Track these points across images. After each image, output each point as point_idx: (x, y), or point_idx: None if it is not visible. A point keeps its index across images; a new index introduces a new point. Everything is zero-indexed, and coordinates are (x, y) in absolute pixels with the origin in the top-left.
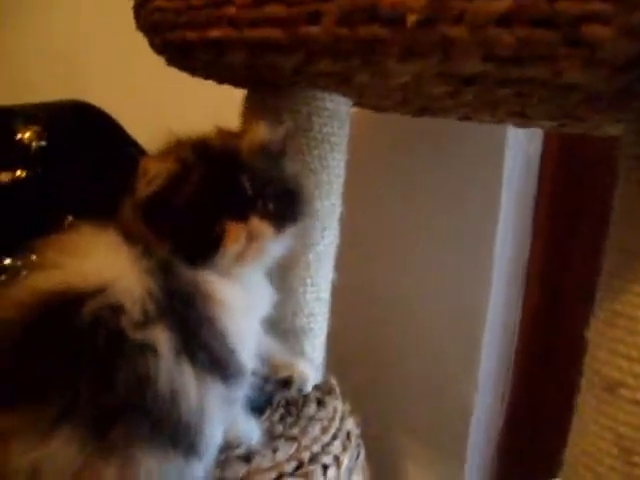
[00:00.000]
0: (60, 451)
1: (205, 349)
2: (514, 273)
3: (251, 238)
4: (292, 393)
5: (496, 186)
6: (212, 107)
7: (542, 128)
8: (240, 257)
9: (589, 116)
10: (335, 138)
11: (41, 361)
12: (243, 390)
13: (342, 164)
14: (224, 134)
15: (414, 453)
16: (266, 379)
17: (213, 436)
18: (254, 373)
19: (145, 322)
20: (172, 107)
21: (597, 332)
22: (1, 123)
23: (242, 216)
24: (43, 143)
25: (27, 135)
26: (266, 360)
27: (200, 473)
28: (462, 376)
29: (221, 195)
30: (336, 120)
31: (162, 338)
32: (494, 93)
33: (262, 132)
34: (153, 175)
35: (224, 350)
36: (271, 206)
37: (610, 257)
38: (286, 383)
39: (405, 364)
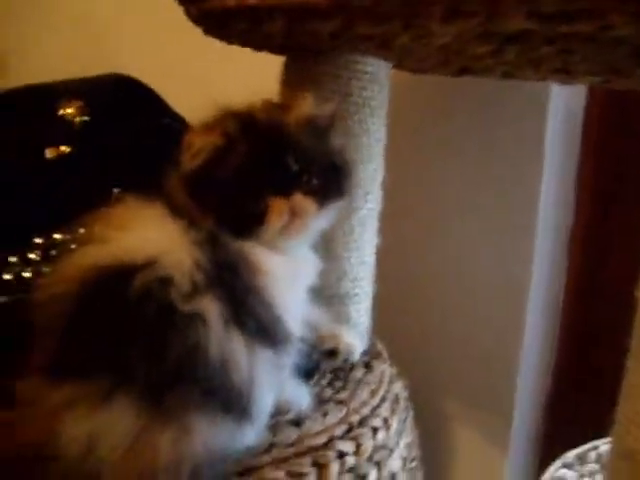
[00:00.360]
0: (115, 421)
1: (253, 317)
2: (559, 234)
3: (294, 214)
4: (338, 363)
5: (539, 143)
6: (250, 76)
7: (585, 84)
8: (283, 232)
9: (635, 71)
10: (375, 102)
11: (94, 334)
12: (291, 356)
13: (382, 128)
14: (270, 107)
15: (461, 415)
16: (313, 348)
17: (264, 402)
18: (302, 340)
19: (194, 293)
20: (210, 77)
21: None
22: (44, 100)
23: (286, 192)
24: (86, 118)
25: (70, 111)
26: (313, 330)
27: (252, 438)
28: (508, 337)
29: (266, 171)
30: (376, 84)
31: (211, 308)
32: (537, 51)
33: (309, 107)
34: (198, 148)
35: (270, 318)
36: (315, 182)
37: None
38: (332, 353)
39: (450, 326)
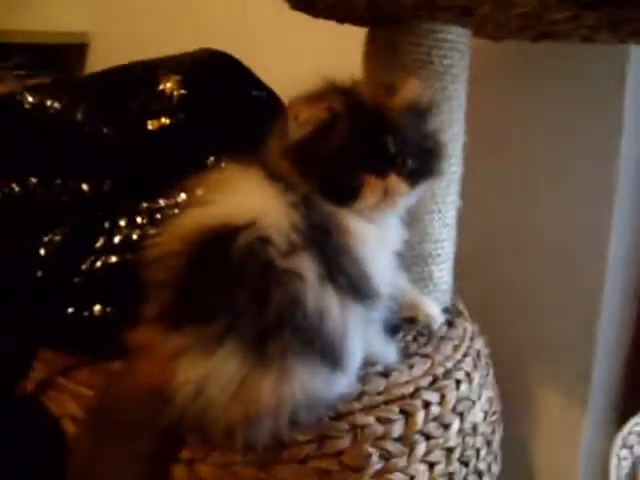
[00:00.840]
0: (224, 365)
1: (344, 274)
2: (638, 195)
3: (387, 193)
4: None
5: (618, 114)
6: (334, 48)
7: None
8: (375, 207)
9: None
10: (456, 69)
11: (205, 287)
12: (379, 312)
13: (463, 94)
14: (375, 87)
15: (540, 371)
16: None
17: (355, 353)
18: (389, 299)
19: (291, 252)
20: (296, 50)
21: None
22: (145, 75)
23: (382, 172)
24: (183, 91)
25: (169, 85)
26: (399, 293)
27: (344, 387)
28: (587, 294)
29: (365, 150)
30: (456, 52)
31: (307, 265)
32: (618, 14)
33: (413, 91)
34: (304, 119)
35: (360, 275)
36: (410, 164)
37: None
38: (412, 321)
39: (530, 285)
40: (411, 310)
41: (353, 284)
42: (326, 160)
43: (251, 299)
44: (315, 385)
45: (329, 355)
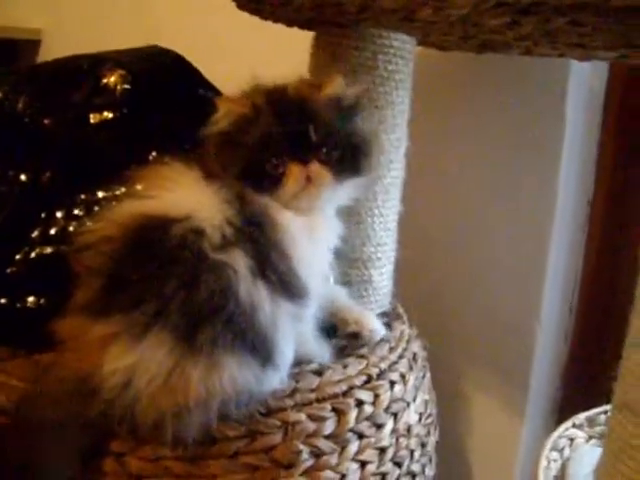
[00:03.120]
0: (151, 353)
1: (274, 270)
2: (578, 209)
3: (309, 180)
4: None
5: (560, 120)
6: (283, 51)
7: (603, 59)
8: (299, 195)
9: None
10: (400, 75)
11: (135, 274)
12: (310, 309)
13: (407, 100)
14: (301, 84)
15: (479, 379)
16: (337, 328)
17: (285, 349)
18: (324, 297)
19: (224, 245)
20: (245, 52)
21: None
22: (89, 68)
23: (304, 159)
24: (127, 86)
25: (113, 79)
26: (336, 312)
27: (276, 383)
28: (527, 306)
29: (287, 137)
30: (400, 58)
31: (239, 259)
32: (550, 23)
33: (337, 86)
34: (225, 112)
35: (289, 272)
36: (334, 155)
37: None
38: (355, 336)
39: (470, 295)
40: (355, 326)
41: (282, 280)
42: (249, 149)
43: (180, 287)
44: (245, 379)
45: (260, 349)
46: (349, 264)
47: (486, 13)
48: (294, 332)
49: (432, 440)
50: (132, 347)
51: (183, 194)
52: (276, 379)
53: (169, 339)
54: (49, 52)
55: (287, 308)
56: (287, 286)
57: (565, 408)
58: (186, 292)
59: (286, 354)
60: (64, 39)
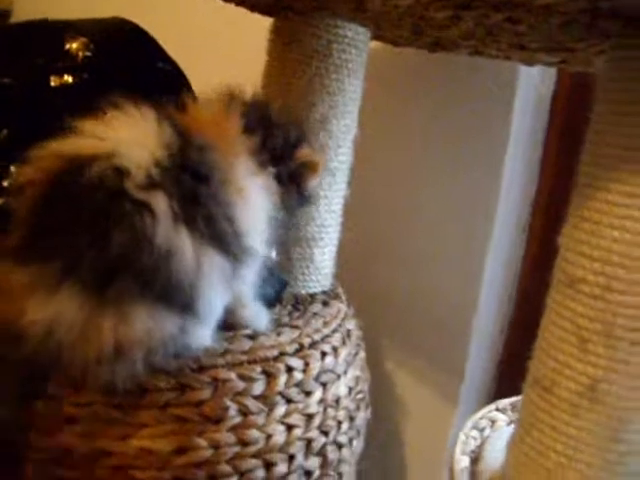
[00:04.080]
0: (65, 307)
1: (209, 222)
2: (520, 206)
3: None
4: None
5: (506, 123)
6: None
7: (547, 65)
8: None
9: (574, 45)
10: (353, 64)
11: (50, 220)
12: (251, 271)
13: (358, 89)
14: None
15: (415, 365)
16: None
17: (212, 303)
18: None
19: (147, 186)
20: (207, 32)
21: (566, 236)
22: (53, 34)
23: None
24: (88, 53)
25: (75, 45)
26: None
27: (203, 337)
28: (465, 298)
29: None
30: (354, 48)
31: (161, 201)
32: (489, 18)
33: None
34: None
35: (231, 229)
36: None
37: (582, 169)
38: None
39: (411, 280)
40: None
41: (217, 235)
42: None
43: (91, 241)
44: (163, 328)
45: (175, 297)
46: (292, 242)
47: (430, 6)
48: (229, 289)
49: (362, 415)
50: (48, 299)
51: (119, 131)
52: (203, 332)
53: (80, 294)
54: None
55: (218, 262)
56: (223, 241)
57: (499, 397)
58: (96, 248)
59: (213, 305)
60: (34, 12)
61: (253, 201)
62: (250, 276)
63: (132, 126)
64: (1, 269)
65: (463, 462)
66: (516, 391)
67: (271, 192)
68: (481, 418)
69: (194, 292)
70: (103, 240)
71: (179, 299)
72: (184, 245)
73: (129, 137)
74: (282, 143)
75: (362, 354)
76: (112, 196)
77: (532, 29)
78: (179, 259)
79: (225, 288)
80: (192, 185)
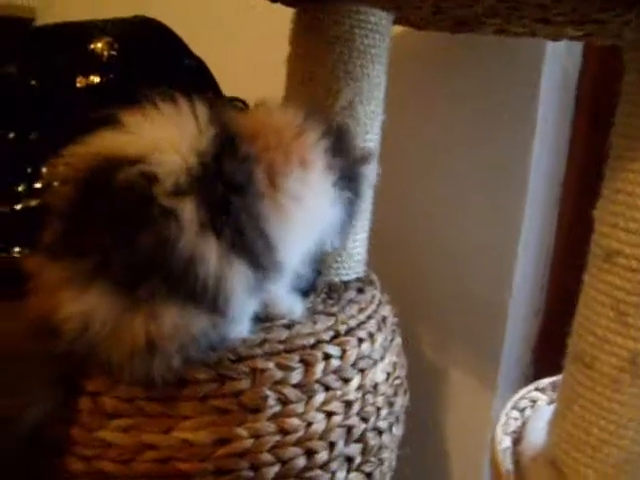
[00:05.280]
0: (98, 302)
1: (238, 233)
2: (550, 185)
3: None
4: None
5: (534, 101)
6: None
7: (573, 39)
8: None
9: (599, 16)
10: (376, 50)
11: (83, 218)
12: (280, 281)
13: (382, 74)
14: None
15: (452, 352)
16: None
17: (239, 306)
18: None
19: (175, 192)
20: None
21: (601, 209)
22: (78, 35)
23: None
24: (113, 52)
25: (100, 45)
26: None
27: (237, 331)
28: (499, 279)
29: None
30: (377, 33)
31: (188, 209)
32: None
33: None
34: None
35: (261, 242)
36: None
37: (615, 141)
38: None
39: (445, 267)
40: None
41: (245, 246)
42: None
43: (121, 242)
44: (195, 326)
45: (203, 300)
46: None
47: None
48: (257, 296)
49: (400, 401)
50: (81, 295)
51: (153, 133)
52: (235, 328)
53: (112, 291)
54: None
55: (244, 272)
56: (251, 252)
57: (536, 379)
58: (125, 249)
59: (241, 308)
60: (57, 18)
61: (293, 218)
62: (280, 284)
63: (170, 127)
64: (36, 265)
65: (505, 442)
66: (554, 372)
67: (328, 213)
68: (521, 398)
69: (220, 297)
70: (131, 243)
71: (206, 301)
72: (209, 252)
73: (164, 139)
74: (350, 166)
75: (398, 340)
76: (140, 201)
77: (556, 1)
78: (203, 265)
79: (251, 295)
80: (224, 194)
